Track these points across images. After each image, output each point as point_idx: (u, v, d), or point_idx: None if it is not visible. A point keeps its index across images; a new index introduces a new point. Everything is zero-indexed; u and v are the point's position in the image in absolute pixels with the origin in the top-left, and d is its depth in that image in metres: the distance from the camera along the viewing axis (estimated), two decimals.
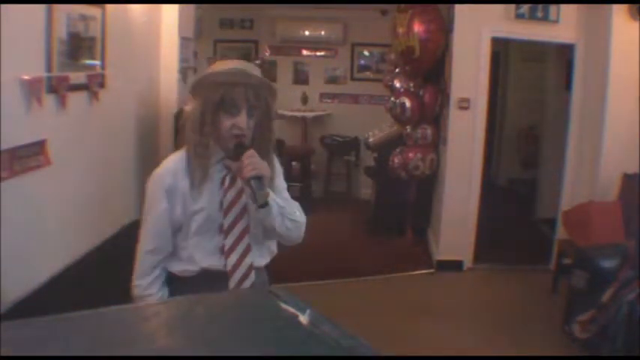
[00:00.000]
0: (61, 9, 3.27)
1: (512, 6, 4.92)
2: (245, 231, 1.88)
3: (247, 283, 1.88)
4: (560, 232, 4.97)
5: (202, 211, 1.86)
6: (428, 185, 5.96)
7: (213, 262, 1.88)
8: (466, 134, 5.16)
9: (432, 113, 5.72)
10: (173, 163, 1.91)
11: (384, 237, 6.12)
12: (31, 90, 2.98)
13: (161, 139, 5.24)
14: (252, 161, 1.77)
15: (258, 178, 1.77)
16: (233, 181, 1.87)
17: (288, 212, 1.89)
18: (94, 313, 1.04)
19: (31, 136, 3.06)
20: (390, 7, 6.80)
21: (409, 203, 6.05)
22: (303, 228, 1.96)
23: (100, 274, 3.40)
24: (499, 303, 4.63)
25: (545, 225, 6.06)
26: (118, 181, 4.46)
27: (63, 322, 1.01)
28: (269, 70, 7.67)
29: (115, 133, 4.30)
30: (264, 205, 1.79)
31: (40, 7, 3.11)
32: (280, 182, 1.98)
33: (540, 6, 4.89)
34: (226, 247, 1.87)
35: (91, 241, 3.83)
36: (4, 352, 0.86)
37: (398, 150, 5.90)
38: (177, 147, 2.13)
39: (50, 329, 0.98)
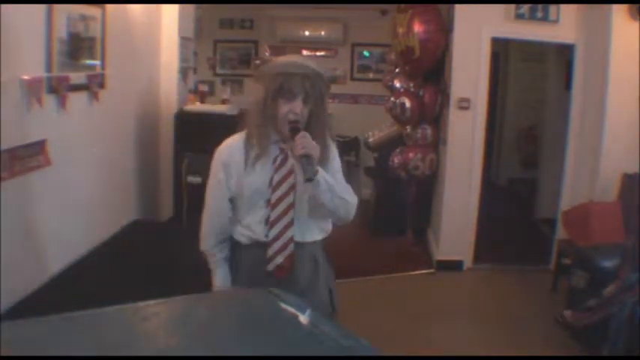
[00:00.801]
0: (61, 9, 3.27)
1: (512, 6, 4.92)
2: (290, 207, 2.08)
3: (285, 253, 2.09)
4: (560, 232, 4.97)
5: (253, 185, 2.08)
6: (428, 185, 5.95)
7: (258, 231, 2.10)
8: (466, 134, 5.16)
9: (432, 113, 5.72)
10: (232, 141, 2.16)
11: (384, 237, 6.11)
12: (31, 90, 2.98)
13: (161, 139, 5.24)
14: (303, 141, 1.97)
15: (307, 157, 1.97)
16: (284, 161, 2.09)
17: (337, 190, 2.07)
18: (94, 313, 1.04)
19: (31, 136, 3.06)
20: (390, 7, 6.80)
21: (409, 203, 6.05)
22: (352, 208, 2.16)
23: (100, 274, 3.40)
24: (499, 303, 4.63)
25: (545, 225, 6.06)
26: (118, 181, 4.46)
27: (63, 322, 1.01)
28: None
29: (115, 133, 4.31)
30: (311, 179, 1.97)
31: (40, 7, 3.11)
32: (335, 164, 2.17)
33: (540, 6, 4.89)
34: (271, 219, 2.08)
35: (91, 241, 3.83)
36: (4, 352, 0.85)
37: (398, 150, 5.90)
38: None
39: (50, 329, 0.98)
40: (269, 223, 2.08)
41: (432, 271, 5.33)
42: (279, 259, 2.09)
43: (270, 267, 2.10)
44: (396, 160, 5.86)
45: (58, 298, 2.94)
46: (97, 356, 0.90)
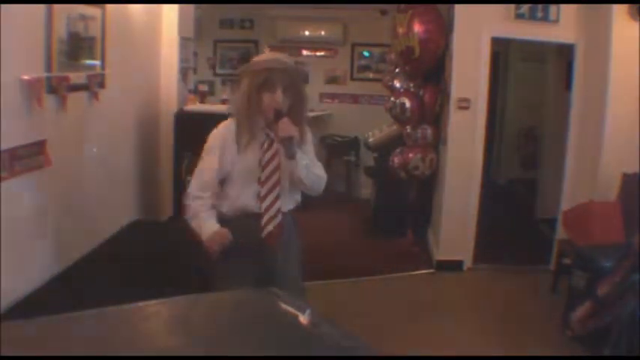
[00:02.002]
0: (61, 9, 3.27)
1: (512, 6, 4.91)
2: (277, 183, 2.48)
3: (275, 222, 2.50)
4: (560, 232, 4.97)
5: (246, 165, 2.46)
6: (428, 185, 5.95)
7: (251, 204, 2.49)
8: (466, 134, 5.15)
9: (432, 113, 5.72)
10: (224, 127, 2.53)
11: (384, 237, 6.11)
12: (31, 90, 2.98)
13: (161, 139, 5.24)
14: (285, 125, 2.38)
15: (289, 138, 2.38)
16: (270, 145, 2.48)
17: (312, 167, 2.51)
18: (94, 313, 1.04)
19: (31, 136, 3.06)
20: (390, 7, 6.80)
21: (409, 203, 6.05)
22: (323, 182, 2.57)
23: (100, 274, 3.39)
24: (499, 303, 4.63)
25: (545, 225, 6.06)
26: (118, 181, 4.46)
27: (63, 322, 1.01)
28: None
29: (115, 133, 4.31)
30: (292, 157, 2.40)
31: (40, 7, 3.11)
32: (309, 147, 2.59)
33: (540, 6, 4.88)
34: (261, 194, 2.48)
35: (91, 241, 3.83)
36: (4, 352, 0.86)
37: (398, 150, 5.90)
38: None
39: (50, 329, 0.98)
40: (260, 198, 2.47)
41: (432, 271, 5.32)
42: (270, 227, 2.48)
43: (264, 234, 2.47)
44: (396, 160, 5.86)
45: (58, 298, 2.94)
46: (97, 356, 0.90)
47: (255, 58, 2.62)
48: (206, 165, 2.53)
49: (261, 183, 2.47)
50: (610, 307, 3.27)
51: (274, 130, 2.42)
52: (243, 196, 2.49)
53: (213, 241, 2.45)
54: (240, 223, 2.47)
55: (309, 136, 2.62)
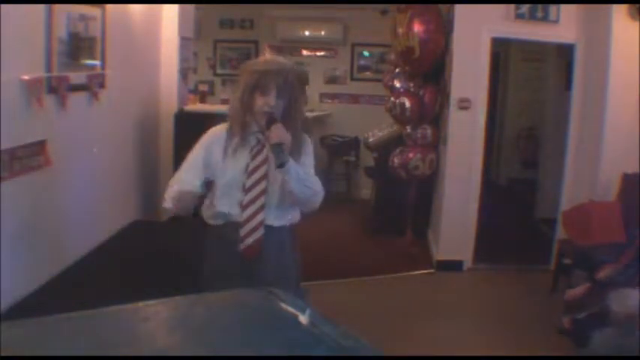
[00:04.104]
0: (61, 9, 3.27)
1: (512, 6, 4.91)
2: (262, 192, 2.29)
3: (255, 235, 2.29)
4: (560, 232, 4.97)
5: (231, 170, 2.30)
6: (428, 185, 5.95)
7: (234, 213, 2.30)
8: (466, 134, 5.15)
9: (432, 113, 5.72)
10: (217, 129, 2.40)
11: (384, 237, 6.11)
12: (31, 90, 2.98)
13: (161, 139, 5.24)
14: (276, 131, 2.20)
15: (280, 144, 2.18)
16: (260, 151, 2.31)
17: (305, 180, 2.26)
18: (94, 313, 1.04)
19: (31, 136, 3.06)
20: (390, 7, 6.80)
21: (409, 203, 6.05)
22: (318, 199, 2.34)
23: (100, 274, 3.39)
24: (499, 303, 4.63)
25: (545, 225, 6.06)
26: (118, 181, 4.46)
27: (63, 322, 1.01)
28: None
29: (115, 133, 4.31)
30: (282, 166, 2.18)
31: (40, 7, 3.11)
32: (307, 159, 2.37)
33: (540, 6, 4.88)
34: (244, 203, 2.29)
35: (90, 241, 3.83)
36: (4, 352, 0.85)
37: (398, 150, 5.90)
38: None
39: (50, 329, 0.98)
40: (242, 206, 2.28)
41: (432, 271, 5.32)
42: (249, 240, 2.29)
43: (242, 246, 2.29)
44: (396, 160, 5.86)
45: (58, 298, 2.94)
46: (97, 356, 0.90)
47: (252, 60, 2.51)
48: (190, 158, 2.39)
49: (245, 190, 2.28)
50: (605, 292, 3.26)
51: (266, 136, 2.25)
52: (227, 203, 2.31)
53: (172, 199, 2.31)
54: (222, 232, 2.33)
55: (308, 147, 2.42)
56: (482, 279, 5.18)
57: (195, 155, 2.37)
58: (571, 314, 3.66)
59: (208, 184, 2.34)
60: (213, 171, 2.32)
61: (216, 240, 2.37)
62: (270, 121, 2.24)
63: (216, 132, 2.38)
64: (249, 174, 2.28)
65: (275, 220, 2.34)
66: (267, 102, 2.26)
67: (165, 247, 4.05)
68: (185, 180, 2.33)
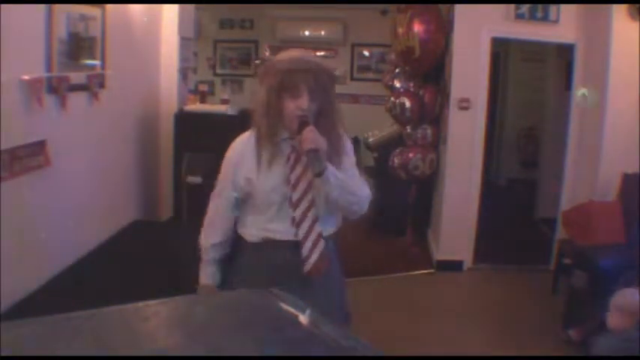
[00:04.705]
0: (61, 9, 3.27)
1: (512, 6, 4.91)
2: (312, 203, 2.05)
3: (318, 250, 2.06)
4: (560, 232, 4.97)
5: (270, 184, 2.05)
6: (428, 185, 5.95)
7: (281, 231, 2.06)
8: (466, 134, 5.15)
9: (432, 113, 5.72)
10: (241, 142, 2.13)
11: (384, 237, 6.11)
12: (31, 90, 2.98)
13: (161, 139, 5.24)
14: (310, 135, 1.95)
15: (315, 151, 1.94)
16: (298, 158, 2.04)
17: (348, 185, 2.05)
18: (94, 313, 1.04)
19: (31, 136, 3.06)
20: (390, 7, 6.80)
21: (409, 203, 6.05)
22: (364, 203, 2.14)
23: (100, 274, 3.40)
24: (499, 303, 4.63)
25: (545, 225, 6.06)
26: (118, 181, 4.46)
27: (63, 322, 1.01)
28: None
29: (115, 133, 4.31)
30: (319, 174, 1.96)
31: (40, 7, 3.11)
32: (348, 160, 2.15)
33: (540, 6, 4.88)
34: (297, 219, 2.04)
35: (91, 241, 3.83)
36: (4, 352, 0.85)
37: (398, 150, 5.90)
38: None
39: (50, 329, 0.98)
40: (295, 223, 2.05)
41: (432, 271, 5.32)
42: (314, 257, 2.05)
43: (307, 267, 2.05)
44: (396, 160, 5.86)
45: (58, 298, 2.94)
46: (97, 356, 0.90)
47: (276, 57, 2.16)
48: (220, 184, 2.16)
49: (293, 205, 2.03)
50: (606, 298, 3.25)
51: (298, 141, 1.99)
52: (272, 222, 2.07)
53: (202, 293, 2.16)
54: (268, 253, 2.07)
55: (347, 146, 2.19)
56: (482, 279, 5.18)
57: (228, 181, 2.12)
58: (576, 325, 3.65)
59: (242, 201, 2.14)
60: (246, 189, 2.08)
61: (257, 259, 2.10)
62: (303, 125, 1.99)
63: (242, 147, 2.11)
64: (294, 186, 2.03)
65: (326, 229, 2.12)
66: (298, 105, 1.99)
67: (165, 247, 4.05)
68: (229, 210, 2.14)
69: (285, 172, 2.04)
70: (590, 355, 3.48)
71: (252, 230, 2.11)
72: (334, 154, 2.05)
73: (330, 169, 1.99)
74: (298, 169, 2.04)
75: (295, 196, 2.04)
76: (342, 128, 2.18)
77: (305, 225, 2.05)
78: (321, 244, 2.07)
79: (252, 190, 2.07)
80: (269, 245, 2.08)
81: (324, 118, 2.07)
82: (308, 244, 2.05)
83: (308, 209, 2.05)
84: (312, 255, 2.05)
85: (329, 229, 2.15)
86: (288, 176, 2.04)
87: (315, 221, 2.06)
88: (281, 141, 2.06)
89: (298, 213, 2.04)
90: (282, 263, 2.05)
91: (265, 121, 2.04)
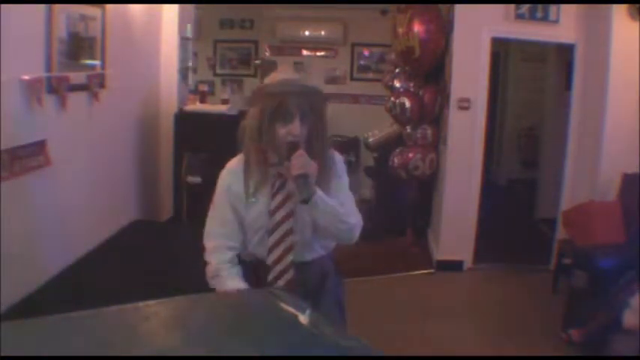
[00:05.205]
0: (61, 9, 3.27)
1: (512, 6, 4.91)
2: (288, 232, 2.03)
3: (286, 278, 2.04)
4: (560, 232, 4.97)
5: (255, 212, 2.05)
6: (428, 185, 5.95)
7: (262, 255, 2.07)
8: (466, 134, 5.15)
9: (432, 113, 5.72)
10: (235, 165, 2.11)
11: (384, 237, 6.11)
12: (31, 90, 2.98)
13: (161, 139, 5.24)
14: (299, 160, 1.92)
15: (304, 176, 1.91)
16: (282, 186, 2.03)
17: (337, 213, 2.00)
18: (94, 313, 1.04)
19: (31, 136, 3.06)
20: (390, 7, 6.80)
21: (409, 203, 6.05)
22: (355, 230, 2.09)
23: (100, 274, 3.40)
24: (499, 303, 4.63)
25: (545, 225, 6.06)
26: (118, 181, 4.46)
27: (63, 322, 1.01)
28: (268, 70, 7.66)
29: (115, 133, 4.31)
30: (307, 201, 1.93)
31: (40, 7, 3.11)
32: (340, 183, 2.09)
33: (540, 6, 4.88)
34: (269, 245, 2.04)
35: (91, 241, 3.83)
36: (4, 352, 0.86)
37: (398, 150, 5.90)
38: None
39: (50, 329, 0.98)
40: (268, 249, 2.05)
41: (432, 271, 5.32)
42: (280, 284, 2.04)
43: None
44: (396, 160, 5.86)
45: (58, 298, 2.94)
46: (97, 356, 0.90)
47: (268, 79, 2.10)
48: (218, 214, 2.13)
49: (269, 231, 2.03)
50: (613, 300, 3.25)
51: (287, 166, 1.95)
52: (257, 247, 2.09)
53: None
54: (254, 275, 2.10)
55: (339, 167, 2.13)
56: (482, 279, 5.18)
57: (224, 208, 2.09)
58: (577, 326, 3.65)
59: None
60: (239, 214, 2.08)
61: (249, 276, 2.11)
62: (292, 149, 1.95)
63: (232, 170, 2.10)
64: (272, 214, 2.02)
65: (306, 255, 2.10)
66: (290, 131, 1.95)
67: (166, 247, 4.05)
68: (229, 233, 2.10)
69: (269, 199, 2.04)
70: (590, 355, 3.49)
71: (247, 251, 2.13)
72: (324, 180, 2.01)
73: (319, 194, 1.95)
74: (278, 199, 2.03)
75: (271, 223, 2.03)
76: (332, 150, 2.14)
77: (276, 252, 2.04)
78: (290, 273, 2.05)
79: (241, 217, 2.07)
80: (259, 266, 2.08)
81: (315, 140, 2.03)
82: (276, 270, 2.04)
83: (282, 238, 2.03)
84: (279, 281, 2.04)
85: (311, 255, 2.12)
86: (270, 203, 2.03)
87: (288, 250, 2.04)
88: (269, 167, 2.04)
89: (272, 240, 2.04)
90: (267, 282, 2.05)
91: (256, 146, 2.02)
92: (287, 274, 2.05)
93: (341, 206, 2.03)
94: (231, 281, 2.05)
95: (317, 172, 1.94)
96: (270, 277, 2.04)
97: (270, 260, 2.04)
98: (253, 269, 2.11)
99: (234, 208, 2.07)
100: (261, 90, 2.06)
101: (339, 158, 2.15)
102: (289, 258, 2.04)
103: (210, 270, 2.10)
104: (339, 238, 2.12)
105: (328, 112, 2.16)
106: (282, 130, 1.96)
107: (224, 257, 2.09)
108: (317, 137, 2.03)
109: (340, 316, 2.24)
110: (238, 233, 2.10)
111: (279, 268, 2.05)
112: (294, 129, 1.95)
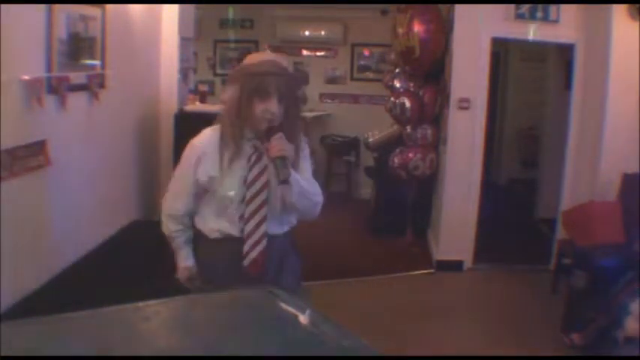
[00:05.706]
0: (61, 9, 3.27)
1: (512, 6, 4.92)
2: (263, 203, 2.14)
3: (259, 248, 2.16)
4: (560, 232, 4.97)
5: (229, 183, 2.14)
6: (428, 185, 5.96)
7: (232, 228, 2.16)
8: (466, 134, 5.16)
9: (432, 113, 5.72)
10: (208, 136, 2.21)
11: (384, 237, 6.11)
12: (31, 90, 2.98)
13: (161, 139, 5.23)
14: (278, 143, 2.05)
15: (282, 158, 2.04)
16: (258, 159, 2.14)
17: (307, 192, 2.15)
18: (94, 313, 1.04)
19: (31, 136, 3.06)
20: (390, 7, 6.80)
21: (409, 203, 6.05)
22: (319, 207, 2.24)
23: (100, 274, 3.39)
24: (499, 303, 4.63)
25: (545, 225, 6.06)
26: (118, 181, 4.46)
27: (63, 322, 1.01)
28: None
29: (115, 133, 4.30)
30: (285, 182, 2.05)
31: (40, 7, 3.11)
32: (306, 164, 2.24)
33: (540, 6, 4.89)
34: (245, 215, 2.14)
35: (90, 241, 3.83)
36: (4, 352, 0.86)
37: (398, 150, 5.90)
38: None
39: (50, 329, 0.98)
40: (243, 219, 2.14)
41: (432, 271, 5.32)
42: (254, 254, 2.15)
43: (246, 262, 2.15)
44: (396, 160, 5.86)
45: (58, 298, 2.94)
46: (97, 356, 0.90)
47: (248, 59, 2.22)
48: (179, 180, 2.28)
49: (246, 202, 2.13)
50: (612, 303, 3.25)
51: (265, 147, 2.09)
52: (225, 218, 2.17)
53: (184, 276, 2.33)
54: (222, 249, 2.19)
55: (305, 151, 2.27)
56: (482, 279, 5.18)
57: (187, 172, 2.22)
58: (578, 329, 3.64)
59: (198, 194, 2.24)
60: (206, 185, 2.17)
61: (213, 254, 2.24)
62: (271, 130, 2.08)
63: (205, 141, 2.20)
64: (249, 186, 2.13)
65: (277, 227, 2.22)
66: (268, 108, 2.07)
67: (165, 247, 4.04)
68: (185, 201, 2.27)
69: (243, 170, 2.14)
70: (590, 355, 3.49)
71: (209, 225, 2.22)
72: (295, 159, 2.14)
73: (295, 175, 2.08)
74: (256, 170, 2.14)
75: (249, 195, 2.13)
76: (302, 133, 2.27)
77: (252, 223, 2.14)
78: (263, 243, 2.16)
79: (212, 187, 2.16)
80: (224, 240, 2.18)
81: (289, 123, 2.14)
82: (250, 242, 2.15)
83: (258, 208, 2.14)
84: (252, 252, 2.15)
85: (282, 228, 2.25)
86: (246, 175, 2.13)
87: (262, 221, 2.15)
88: (245, 141, 2.14)
89: (248, 211, 2.14)
90: (234, 255, 2.15)
91: (232, 120, 2.12)
92: (260, 245, 2.16)
93: (309, 185, 2.17)
94: (183, 250, 2.32)
95: (293, 153, 2.08)
96: (246, 247, 2.14)
97: (246, 231, 2.14)
98: (222, 246, 2.20)
99: (203, 171, 2.15)
100: (242, 70, 2.17)
101: (305, 140, 2.30)
102: (263, 229, 2.15)
103: (165, 229, 2.33)
104: (304, 214, 2.24)
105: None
106: (260, 106, 2.08)
107: (176, 223, 2.29)
108: (291, 119, 2.16)
109: (298, 274, 2.39)
110: (191, 202, 2.25)
111: (254, 238, 2.15)
112: (271, 106, 2.07)
